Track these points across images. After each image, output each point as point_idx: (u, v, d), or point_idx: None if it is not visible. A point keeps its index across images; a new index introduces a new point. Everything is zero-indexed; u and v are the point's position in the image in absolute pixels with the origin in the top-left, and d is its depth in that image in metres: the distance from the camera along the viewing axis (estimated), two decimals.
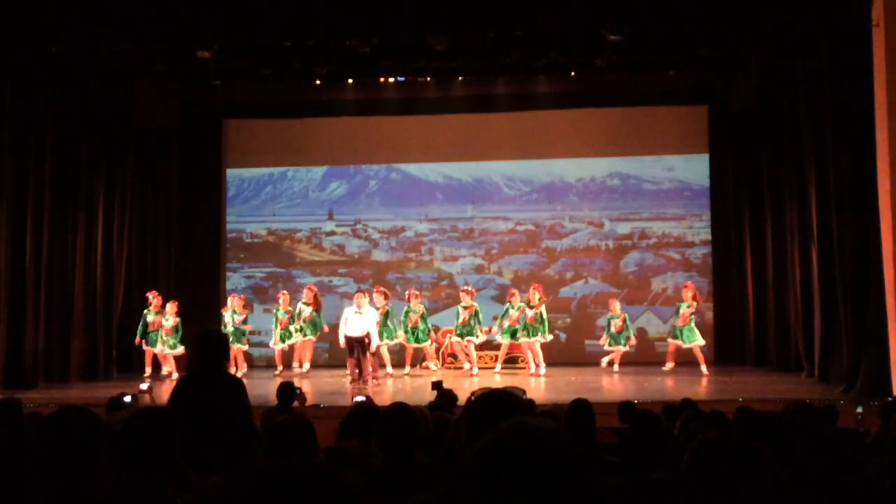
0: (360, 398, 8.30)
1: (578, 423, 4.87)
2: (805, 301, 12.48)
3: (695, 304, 13.51)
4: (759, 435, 3.76)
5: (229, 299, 14.16)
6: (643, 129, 15.71)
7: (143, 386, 10.78)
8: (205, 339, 5.47)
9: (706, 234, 15.77)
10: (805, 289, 12.48)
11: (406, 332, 13.66)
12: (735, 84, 14.56)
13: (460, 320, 13.71)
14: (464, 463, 1.44)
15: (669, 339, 13.77)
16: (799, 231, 12.69)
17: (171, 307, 13.54)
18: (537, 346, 13.57)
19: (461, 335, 13.75)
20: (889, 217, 10.21)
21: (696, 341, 13.39)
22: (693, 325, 13.45)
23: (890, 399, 8.40)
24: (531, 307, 13.48)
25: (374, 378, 12.68)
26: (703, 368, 13.21)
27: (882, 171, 10.35)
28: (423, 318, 13.73)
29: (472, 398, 3.54)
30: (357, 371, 12.63)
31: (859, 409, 8.23)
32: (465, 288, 14.14)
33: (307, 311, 13.80)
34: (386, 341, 13.50)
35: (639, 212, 15.99)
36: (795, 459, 3.53)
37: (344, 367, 13.41)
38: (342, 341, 12.86)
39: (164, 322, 13.49)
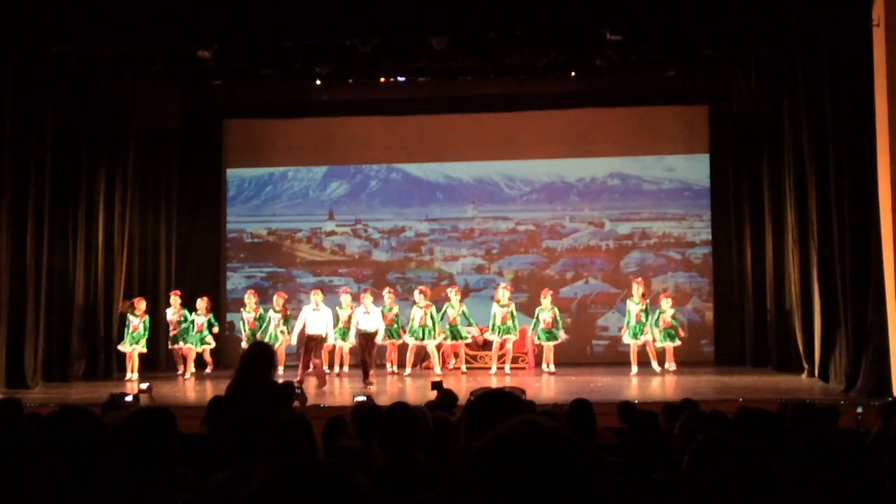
0: (360, 398, 8.30)
1: (579, 423, 4.87)
2: (805, 301, 12.47)
3: (645, 300, 13.45)
4: (760, 435, 3.76)
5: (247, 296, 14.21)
6: (643, 129, 15.71)
7: (143, 385, 10.79)
8: (250, 352, 6.02)
9: (706, 234, 15.76)
10: (805, 289, 12.47)
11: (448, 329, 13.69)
12: (735, 84, 14.55)
13: (417, 321, 13.58)
14: (466, 461, 1.43)
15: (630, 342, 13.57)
16: (799, 231, 12.67)
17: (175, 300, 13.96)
18: (509, 345, 13.66)
19: (418, 337, 13.59)
20: (889, 217, 10.20)
21: (645, 337, 13.36)
22: (644, 321, 13.40)
23: (890, 399, 8.40)
24: (502, 306, 13.56)
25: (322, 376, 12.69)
26: (654, 365, 13.30)
27: (882, 171, 10.35)
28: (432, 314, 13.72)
29: (472, 399, 3.54)
30: (322, 368, 12.68)
31: (859, 410, 8.23)
32: (421, 288, 14.09)
33: (276, 318, 13.80)
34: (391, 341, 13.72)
35: (639, 212, 15.99)
36: (795, 459, 3.53)
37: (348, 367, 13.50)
38: (294, 340, 13.15)
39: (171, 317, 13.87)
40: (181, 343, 13.87)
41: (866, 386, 10.45)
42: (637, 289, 13.59)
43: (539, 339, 13.70)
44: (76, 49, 12.31)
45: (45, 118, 12.45)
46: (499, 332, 13.58)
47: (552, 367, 13.53)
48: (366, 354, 12.77)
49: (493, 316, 13.63)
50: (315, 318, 12.89)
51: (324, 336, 12.80)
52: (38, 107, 12.32)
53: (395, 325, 13.65)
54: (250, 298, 14.05)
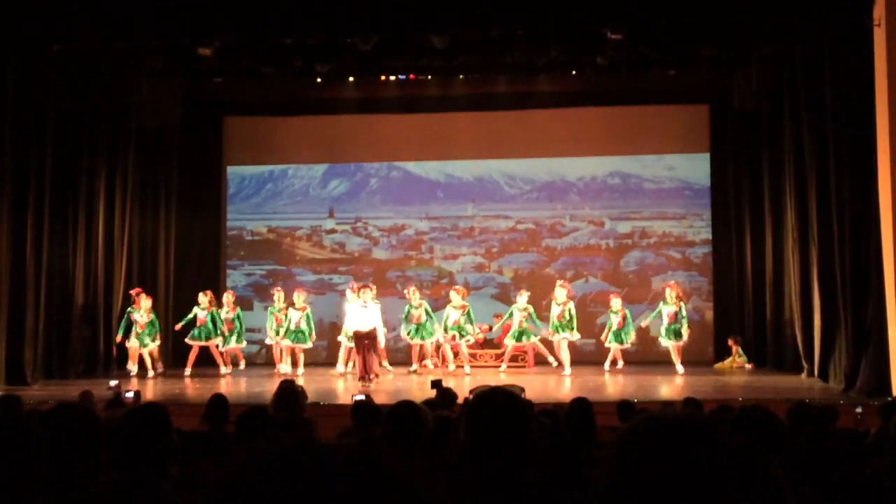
0: (359, 397, 8.28)
1: (579, 422, 4.87)
2: (805, 300, 12.47)
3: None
4: (759, 435, 3.75)
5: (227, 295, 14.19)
6: (644, 128, 15.70)
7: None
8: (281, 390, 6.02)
9: (707, 234, 15.76)
10: (805, 288, 12.48)
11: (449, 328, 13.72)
12: (736, 83, 14.55)
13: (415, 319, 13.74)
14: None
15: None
16: (799, 230, 12.68)
17: (146, 303, 13.49)
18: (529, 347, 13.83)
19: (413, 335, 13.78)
20: (889, 217, 10.20)
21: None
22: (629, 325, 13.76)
23: (890, 399, 8.41)
24: (522, 310, 13.58)
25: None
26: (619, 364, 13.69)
27: (882, 170, 10.35)
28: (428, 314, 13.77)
29: (470, 397, 3.54)
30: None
31: (859, 410, 8.22)
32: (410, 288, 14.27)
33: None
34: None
35: (639, 211, 15.99)
36: (794, 459, 3.53)
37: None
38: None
39: (139, 318, 13.42)
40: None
41: (865, 386, 10.45)
42: (671, 293, 13.70)
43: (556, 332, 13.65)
44: (77, 47, 12.31)
45: (46, 115, 12.43)
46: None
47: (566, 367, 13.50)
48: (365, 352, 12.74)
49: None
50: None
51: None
52: (38, 104, 12.31)
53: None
54: (228, 298, 14.06)
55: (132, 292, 13.68)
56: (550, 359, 14.03)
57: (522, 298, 13.66)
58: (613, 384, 12.46)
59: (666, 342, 13.56)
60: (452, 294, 13.84)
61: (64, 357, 13.12)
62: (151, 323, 13.48)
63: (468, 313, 13.64)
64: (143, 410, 3.37)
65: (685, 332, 13.47)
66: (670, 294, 13.60)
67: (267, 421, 4.88)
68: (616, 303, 13.87)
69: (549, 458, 3.07)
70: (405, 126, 16.03)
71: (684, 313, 13.52)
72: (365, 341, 12.52)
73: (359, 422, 5.65)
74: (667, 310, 13.53)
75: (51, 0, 11.44)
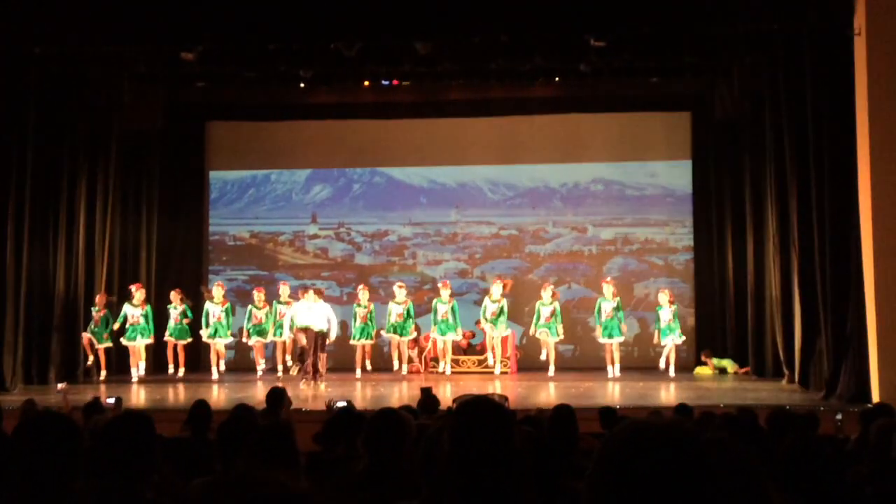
0: (341, 403, 8.26)
1: (561, 428, 4.87)
2: (786, 307, 12.53)
3: (616, 299, 13.68)
4: (742, 440, 3.76)
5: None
6: (627, 135, 15.78)
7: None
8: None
9: (689, 241, 15.83)
10: (786, 295, 12.54)
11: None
12: (718, 91, 14.64)
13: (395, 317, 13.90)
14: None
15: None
16: (780, 238, 12.75)
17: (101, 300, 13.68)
18: (497, 342, 13.74)
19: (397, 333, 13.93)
20: (869, 224, 10.28)
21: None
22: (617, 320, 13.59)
23: (870, 406, 8.45)
24: (494, 301, 13.64)
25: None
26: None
27: (863, 178, 10.43)
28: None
29: (455, 406, 3.54)
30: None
31: (839, 416, 8.27)
32: (400, 283, 14.34)
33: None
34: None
35: (622, 217, 16.04)
36: (775, 466, 3.55)
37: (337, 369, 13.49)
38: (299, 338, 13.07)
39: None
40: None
41: (846, 392, 10.51)
42: (608, 288, 13.69)
43: (541, 335, 13.67)
44: (59, 50, 12.23)
45: (28, 118, 12.36)
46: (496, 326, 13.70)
47: (551, 370, 13.56)
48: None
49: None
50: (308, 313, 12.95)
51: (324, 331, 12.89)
52: (20, 107, 12.24)
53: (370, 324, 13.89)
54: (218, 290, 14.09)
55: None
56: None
57: (497, 288, 13.76)
58: (595, 390, 12.45)
59: (665, 340, 13.59)
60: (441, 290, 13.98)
61: (44, 363, 13.00)
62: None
63: (453, 309, 13.79)
64: (127, 418, 3.35)
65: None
66: (663, 299, 13.64)
67: (248, 428, 4.86)
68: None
69: (532, 467, 3.07)
70: (388, 132, 16.04)
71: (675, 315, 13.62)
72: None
73: (340, 429, 5.61)
74: (664, 315, 13.55)
75: (34, 3, 11.37)
